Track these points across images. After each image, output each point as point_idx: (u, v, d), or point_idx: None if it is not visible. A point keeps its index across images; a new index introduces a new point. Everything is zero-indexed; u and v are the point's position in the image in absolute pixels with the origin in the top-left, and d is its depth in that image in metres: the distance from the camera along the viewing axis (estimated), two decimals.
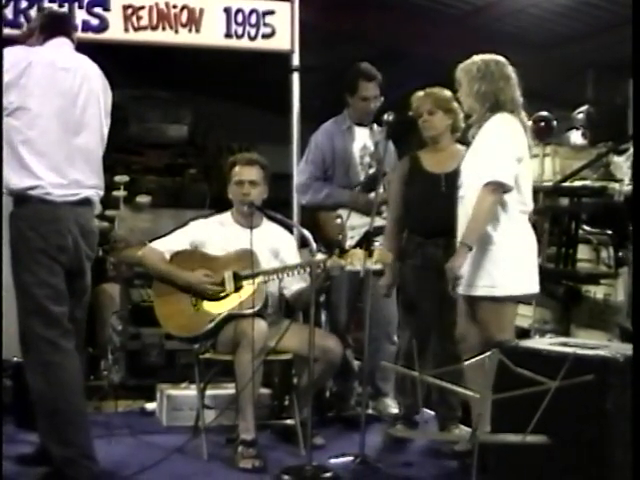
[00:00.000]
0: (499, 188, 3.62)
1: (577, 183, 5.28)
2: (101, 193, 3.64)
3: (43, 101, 3.38)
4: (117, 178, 5.73)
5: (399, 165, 4.47)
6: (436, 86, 4.27)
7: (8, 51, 3.38)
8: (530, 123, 3.84)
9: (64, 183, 3.41)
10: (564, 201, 5.44)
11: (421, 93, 4.31)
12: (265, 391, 4.58)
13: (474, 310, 3.77)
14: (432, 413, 4.46)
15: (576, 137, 5.98)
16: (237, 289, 4.10)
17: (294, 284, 4.24)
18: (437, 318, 4.18)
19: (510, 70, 3.80)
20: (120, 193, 5.78)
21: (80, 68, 3.52)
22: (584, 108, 6.08)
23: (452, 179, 3.97)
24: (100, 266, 5.25)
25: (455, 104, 4.15)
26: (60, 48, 3.53)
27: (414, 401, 4.20)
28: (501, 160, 3.64)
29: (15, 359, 4.35)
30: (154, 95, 6.92)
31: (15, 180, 3.37)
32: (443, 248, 4.03)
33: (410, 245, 4.26)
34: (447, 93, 4.20)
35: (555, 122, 5.80)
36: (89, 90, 3.52)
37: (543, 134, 5.69)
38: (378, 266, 4.10)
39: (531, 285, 3.76)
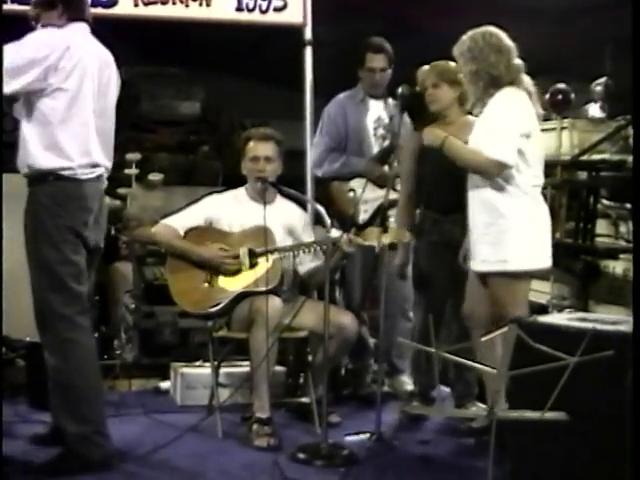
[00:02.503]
0: (499, 166, 3.56)
1: (595, 157, 5.21)
2: (109, 171, 3.67)
3: (79, 84, 3.41)
4: (129, 156, 5.67)
5: (409, 140, 4.35)
6: (449, 59, 4.19)
7: (42, 34, 3.44)
8: (535, 88, 3.74)
9: (90, 163, 3.46)
10: (582, 175, 5.38)
11: (426, 67, 4.26)
12: (280, 369, 4.56)
13: (487, 286, 3.73)
14: (448, 390, 4.43)
15: (594, 110, 5.90)
16: (252, 266, 4.06)
17: (308, 262, 4.20)
18: (452, 295, 4.14)
19: (501, 39, 3.70)
20: (132, 171, 5.72)
21: (102, 53, 3.57)
22: (602, 80, 5.99)
23: None
24: (112, 245, 5.22)
25: (461, 75, 4.08)
26: (80, 33, 3.53)
27: (430, 378, 4.17)
28: (500, 138, 3.58)
29: (28, 339, 4.35)
30: (166, 72, 6.85)
31: (42, 159, 3.38)
32: (460, 225, 3.97)
33: (426, 222, 4.20)
34: (452, 65, 4.11)
35: (573, 95, 5.71)
36: (109, 75, 3.59)
37: (561, 107, 5.61)
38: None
39: (544, 259, 3.71)
